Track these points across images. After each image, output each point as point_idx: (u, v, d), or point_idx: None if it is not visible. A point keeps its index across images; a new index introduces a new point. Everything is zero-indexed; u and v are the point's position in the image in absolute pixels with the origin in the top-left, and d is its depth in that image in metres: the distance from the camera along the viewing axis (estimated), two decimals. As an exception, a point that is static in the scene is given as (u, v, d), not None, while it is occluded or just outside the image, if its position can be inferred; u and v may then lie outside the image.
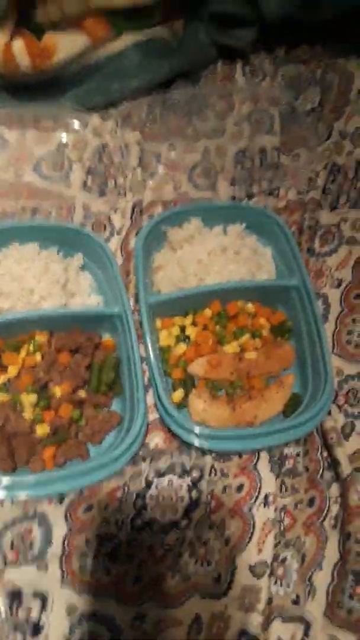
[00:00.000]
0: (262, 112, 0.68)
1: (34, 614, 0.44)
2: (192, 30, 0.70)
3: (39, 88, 0.64)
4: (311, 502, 0.50)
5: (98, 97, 0.65)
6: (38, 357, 0.51)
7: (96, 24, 0.64)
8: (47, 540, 0.46)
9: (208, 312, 0.56)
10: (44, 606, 0.44)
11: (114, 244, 0.58)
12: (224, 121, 0.67)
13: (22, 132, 0.61)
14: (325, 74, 0.73)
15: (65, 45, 0.62)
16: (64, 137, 0.62)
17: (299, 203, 0.64)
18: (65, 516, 0.47)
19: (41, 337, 0.52)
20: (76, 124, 0.62)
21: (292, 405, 0.53)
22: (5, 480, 0.45)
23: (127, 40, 0.66)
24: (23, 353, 0.51)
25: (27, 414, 0.49)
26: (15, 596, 0.44)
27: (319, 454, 0.52)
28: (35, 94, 0.64)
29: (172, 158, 0.63)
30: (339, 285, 0.59)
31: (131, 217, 0.60)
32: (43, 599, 0.44)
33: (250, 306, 0.57)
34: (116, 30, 0.66)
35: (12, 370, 0.50)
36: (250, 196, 0.64)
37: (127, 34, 0.66)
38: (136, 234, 0.59)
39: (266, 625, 0.46)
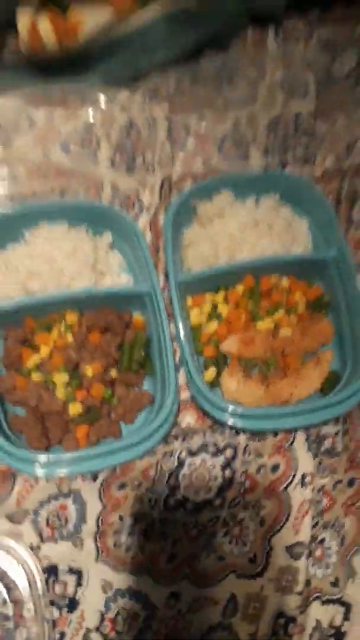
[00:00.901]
0: (295, 78, 0.66)
1: (70, 590, 0.46)
2: (220, -3, 0.69)
3: (66, 66, 0.64)
4: (351, 482, 0.50)
5: (125, 72, 0.64)
6: (69, 337, 0.52)
7: (120, -5, 0.64)
8: (82, 517, 0.48)
9: (240, 288, 0.55)
10: (79, 582, 0.46)
11: (143, 221, 0.59)
12: (255, 89, 0.65)
13: (49, 110, 0.62)
14: (365, 33, 0.70)
15: (90, 19, 0.62)
16: (91, 114, 0.62)
17: (337, 171, 0.62)
18: (99, 494, 0.48)
19: (72, 317, 0.53)
20: (103, 101, 0.63)
21: (330, 383, 0.52)
22: (41, 458, 0.46)
23: (152, 11, 0.65)
24: (54, 333, 0.52)
25: (60, 394, 0.50)
26: (51, 571, 0.46)
27: (359, 433, 0.51)
28: (61, 71, 0.64)
29: (202, 130, 0.62)
30: (380, 257, 0.57)
31: (160, 193, 0.60)
32: (78, 575, 0.46)
33: (284, 281, 0.56)
34: (140, 2, 0.65)
35: (44, 351, 0.51)
36: (284, 165, 0.63)
37: (151, 5, 0.66)
38: (165, 211, 0.58)
39: (304, 607, 0.46)
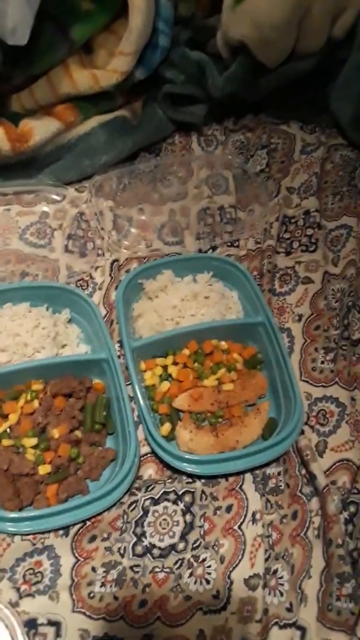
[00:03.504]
0: (218, 176, 0.82)
1: (50, 641, 0.50)
2: (150, 109, 0.85)
3: (19, 167, 0.77)
4: (294, 515, 0.58)
5: (72, 173, 0.78)
6: (36, 403, 0.59)
7: (66, 109, 0.78)
8: (56, 571, 0.52)
9: (186, 351, 0.65)
10: (58, 632, 0.49)
11: (96, 298, 0.69)
12: (185, 185, 0.80)
13: (6, 206, 0.73)
14: (270, 138, 0.89)
15: (40, 129, 0.75)
16: (44, 208, 0.74)
17: (257, 251, 0.76)
18: (72, 547, 0.53)
19: (37, 385, 0.60)
20: (55, 197, 0.75)
21: (270, 429, 0.62)
22: (14, 516, 0.52)
23: (93, 121, 0.80)
24: (22, 401, 0.59)
25: (29, 456, 0.56)
26: (31, 625, 0.49)
27: (297, 471, 0.60)
28: (16, 172, 0.76)
29: (142, 220, 0.76)
30: (299, 319, 0.70)
31: (110, 274, 0.71)
32: (57, 626, 0.50)
33: (223, 343, 0.67)
34: (83, 114, 0.79)
35: (13, 418, 0.58)
36: (214, 248, 0.76)
37: (93, 116, 0.81)
38: (116, 288, 0.69)
39: (265, 633, 0.51)
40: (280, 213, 0.80)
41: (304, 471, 0.61)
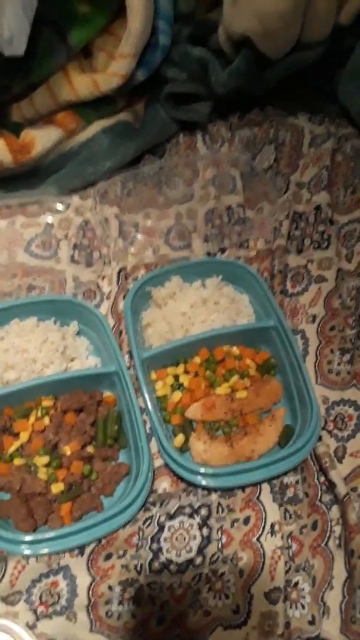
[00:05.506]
0: (224, 175, 0.78)
1: (69, 663, 0.49)
2: (152, 111, 0.82)
3: (22, 178, 0.75)
4: (314, 525, 0.56)
5: (75, 181, 0.76)
6: (46, 420, 0.58)
7: (67, 116, 0.76)
8: (73, 591, 0.51)
9: (197, 359, 0.63)
10: None
11: (104, 308, 0.67)
12: (191, 187, 0.77)
13: (11, 218, 0.71)
14: (278, 132, 0.85)
15: (42, 139, 0.74)
16: (49, 219, 0.72)
17: (267, 251, 0.73)
18: (87, 566, 0.52)
19: (47, 402, 0.59)
20: (59, 206, 0.73)
21: (286, 436, 0.60)
22: (29, 538, 0.51)
23: (95, 127, 0.78)
24: (32, 418, 0.58)
25: (42, 475, 0.55)
26: None
27: (315, 479, 0.58)
28: (18, 183, 0.75)
29: (149, 225, 0.73)
30: (313, 320, 0.68)
31: (117, 282, 0.69)
32: None
33: (235, 349, 0.65)
34: (85, 120, 0.77)
35: (24, 436, 0.57)
36: (222, 250, 0.74)
37: (95, 122, 0.78)
38: (124, 297, 0.67)
39: None
40: (290, 210, 0.76)
41: (322, 479, 0.58)
